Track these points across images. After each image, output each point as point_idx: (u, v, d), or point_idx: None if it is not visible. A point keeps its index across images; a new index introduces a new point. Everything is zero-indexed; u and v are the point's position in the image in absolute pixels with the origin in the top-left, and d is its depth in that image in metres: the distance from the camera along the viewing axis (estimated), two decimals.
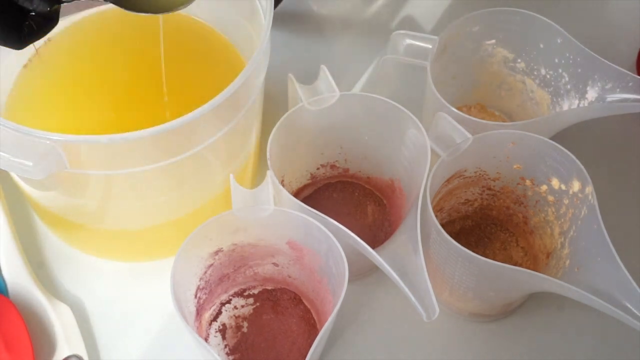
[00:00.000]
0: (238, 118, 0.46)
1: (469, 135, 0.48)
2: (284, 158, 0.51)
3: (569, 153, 0.47)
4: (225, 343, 0.51)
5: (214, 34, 0.58)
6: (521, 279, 0.45)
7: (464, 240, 0.55)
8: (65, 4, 0.43)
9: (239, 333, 0.51)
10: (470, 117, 0.51)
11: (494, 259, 0.46)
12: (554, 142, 0.47)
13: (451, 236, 0.44)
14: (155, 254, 0.54)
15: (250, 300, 0.52)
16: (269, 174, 0.46)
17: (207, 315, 0.51)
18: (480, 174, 0.52)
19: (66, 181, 0.46)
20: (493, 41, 0.57)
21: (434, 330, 0.52)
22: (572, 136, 0.55)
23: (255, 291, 0.53)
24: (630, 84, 0.50)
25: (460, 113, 0.51)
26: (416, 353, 0.52)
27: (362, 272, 0.54)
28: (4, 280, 0.51)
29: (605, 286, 0.41)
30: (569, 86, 0.54)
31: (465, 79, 0.60)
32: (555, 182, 0.49)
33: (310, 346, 0.44)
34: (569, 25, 0.54)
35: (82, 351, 0.49)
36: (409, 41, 0.55)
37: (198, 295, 0.48)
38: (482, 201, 0.55)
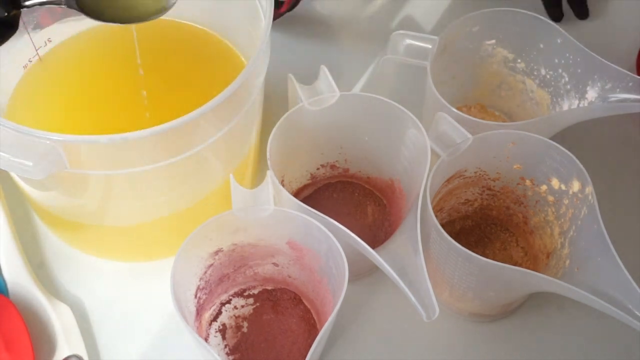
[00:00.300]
0: (238, 118, 0.46)
1: (469, 135, 0.48)
2: (284, 158, 0.50)
3: (569, 153, 0.47)
4: (225, 343, 0.51)
5: (214, 35, 0.58)
6: (521, 279, 0.45)
7: (464, 240, 0.55)
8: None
9: (239, 333, 0.51)
10: (470, 117, 0.51)
11: (494, 259, 0.46)
12: (554, 142, 0.47)
13: (451, 236, 0.44)
14: (155, 254, 0.54)
15: (250, 300, 0.52)
16: (269, 174, 0.46)
17: (207, 315, 0.51)
18: (480, 174, 0.52)
19: (66, 181, 0.46)
20: (493, 41, 0.57)
21: (434, 330, 0.52)
22: (572, 136, 0.55)
23: (255, 291, 0.53)
24: (630, 84, 0.50)
25: (460, 113, 0.51)
26: (416, 353, 0.52)
27: (362, 272, 0.54)
28: (4, 280, 0.51)
29: (605, 286, 0.41)
30: (569, 86, 0.54)
31: (465, 79, 0.60)
32: (555, 182, 0.49)
33: (310, 346, 0.44)
34: (569, 26, 0.54)
35: (82, 351, 0.49)
36: (408, 41, 0.55)
37: (198, 295, 0.48)
38: (482, 201, 0.55)
